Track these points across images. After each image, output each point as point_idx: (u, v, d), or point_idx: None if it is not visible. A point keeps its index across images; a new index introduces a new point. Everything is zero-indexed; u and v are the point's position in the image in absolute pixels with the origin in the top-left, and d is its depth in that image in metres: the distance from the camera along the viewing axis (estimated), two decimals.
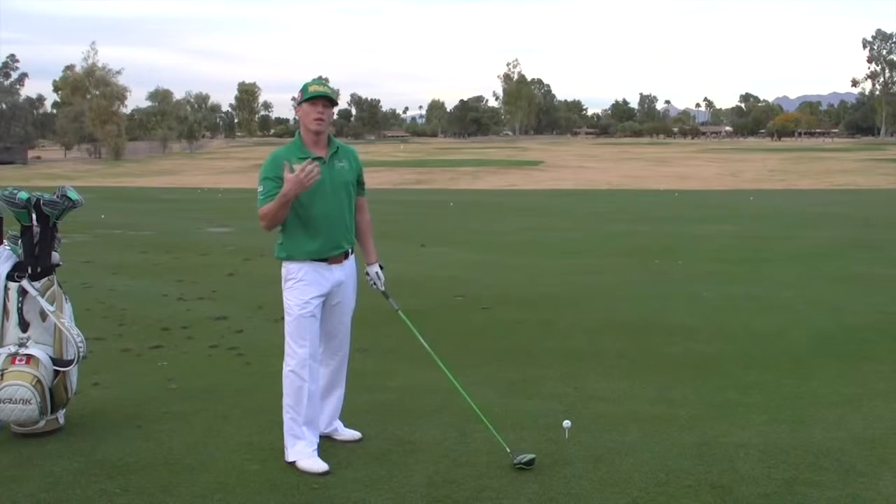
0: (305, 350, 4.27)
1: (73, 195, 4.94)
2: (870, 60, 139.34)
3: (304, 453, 4.26)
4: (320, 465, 4.20)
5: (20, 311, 4.80)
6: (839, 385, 5.80)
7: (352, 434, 4.69)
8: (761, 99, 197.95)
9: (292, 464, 4.26)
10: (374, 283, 4.63)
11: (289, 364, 4.30)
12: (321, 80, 4.40)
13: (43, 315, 4.82)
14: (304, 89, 4.30)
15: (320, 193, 4.23)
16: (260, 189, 4.22)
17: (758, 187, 39.92)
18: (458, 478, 4.11)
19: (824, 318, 8.18)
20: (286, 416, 4.32)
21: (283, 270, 4.35)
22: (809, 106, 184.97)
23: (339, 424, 4.71)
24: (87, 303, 8.67)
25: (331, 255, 4.33)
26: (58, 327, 4.83)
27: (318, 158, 4.22)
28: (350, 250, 4.47)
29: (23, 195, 4.84)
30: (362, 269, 4.62)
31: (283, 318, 4.38)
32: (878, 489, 3.96)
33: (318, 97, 4.25)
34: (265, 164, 4.27)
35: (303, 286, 4.28)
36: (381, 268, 4.66)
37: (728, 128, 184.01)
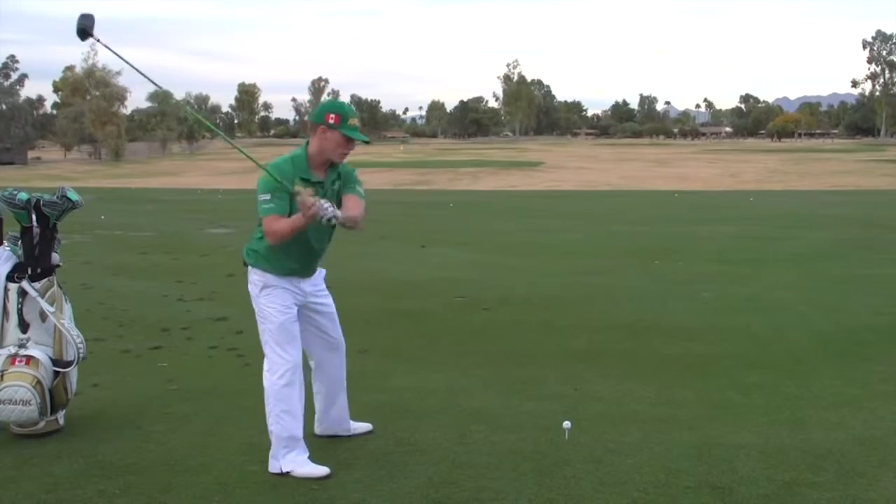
0: (293, 356, 4.23)
1: (73, 196, 4.94)
2: (870, 61, 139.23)
3: (298, 461, 4.20)
4: (320, 470, 4.15)
5: (20, 311, 4.80)
6: (839, 385, 5.80)
7: (363, 426, 4.76)
8: (761, 100, 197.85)
9: (287, 474, 4.15)
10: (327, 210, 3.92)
11: (276, 372, 4.19)
12: (356, 113, 4.27)
13: (43, 316, 4.82)
14: (343, 116, 4.12)
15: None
16: (266, 198, 4.09)
17: (758, 188, 39.89)
18: (458, 479, 4.11)
19: (824, 318, 8.18)
20: (276, 426, 4.19)
21: (256, 277, 4.29)
22: (809, 107, 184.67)
23: (350, 424, 4.74)
24: (87, 304, 8.66)
25: (306, 275, 4.36)
26: (58, 328, 4.83)
27: (319, 183, 4.17)
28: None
29: (22, 196, 4.84)
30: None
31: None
32: (878, 490, 3.96)
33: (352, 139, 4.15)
34: (268, 173, 4.11)
35: (281, 291, 4.26)
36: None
37: (728, 129, 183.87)
